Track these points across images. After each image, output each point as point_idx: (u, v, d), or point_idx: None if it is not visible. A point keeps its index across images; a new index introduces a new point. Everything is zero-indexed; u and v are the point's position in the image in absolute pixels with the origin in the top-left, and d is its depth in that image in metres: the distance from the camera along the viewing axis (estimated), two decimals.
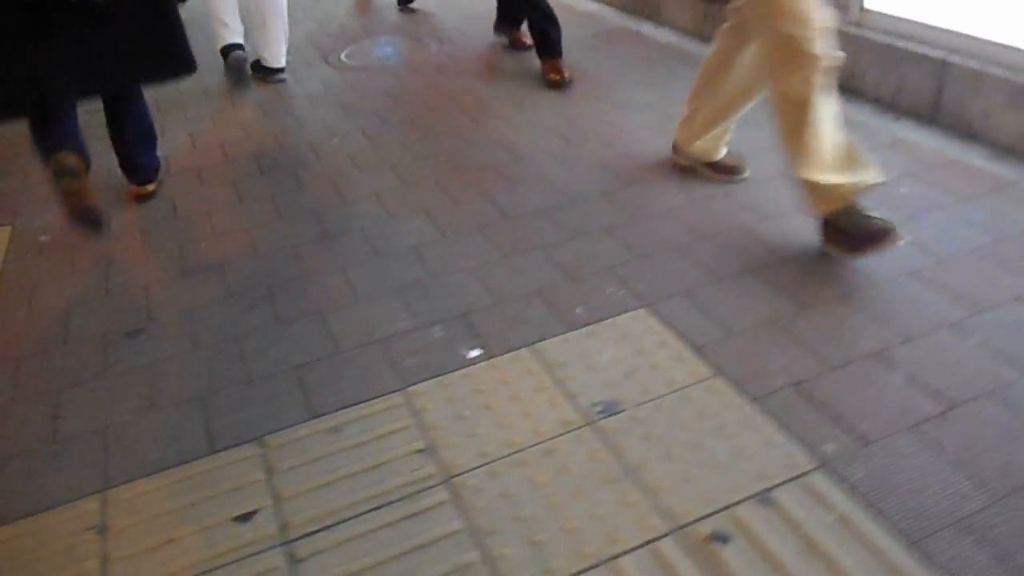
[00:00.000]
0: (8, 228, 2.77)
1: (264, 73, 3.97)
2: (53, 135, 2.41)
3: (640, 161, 2.82)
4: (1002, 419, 1.58)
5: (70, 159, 2.38)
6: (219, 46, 3.95)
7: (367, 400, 1.80)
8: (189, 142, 3.33)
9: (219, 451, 1.70)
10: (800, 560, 1.34)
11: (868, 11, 3.14)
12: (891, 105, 3.02)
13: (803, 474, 1.50)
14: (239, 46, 3.94)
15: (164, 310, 2.21)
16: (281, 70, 3.96)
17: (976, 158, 2.60)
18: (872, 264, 2.08)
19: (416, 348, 1.96)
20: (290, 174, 2.97)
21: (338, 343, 2.00)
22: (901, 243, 2.04)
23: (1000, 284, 1.97)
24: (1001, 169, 2.52)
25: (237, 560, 1.44)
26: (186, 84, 3.36)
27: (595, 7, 4.80)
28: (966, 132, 2.74)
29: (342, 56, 4.33)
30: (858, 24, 3.16)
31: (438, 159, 2.98)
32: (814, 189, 2.09)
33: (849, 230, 2.05)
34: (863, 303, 1.97)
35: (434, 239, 2.44)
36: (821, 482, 1.48)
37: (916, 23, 2.95)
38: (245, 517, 1.53)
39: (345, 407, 1.78)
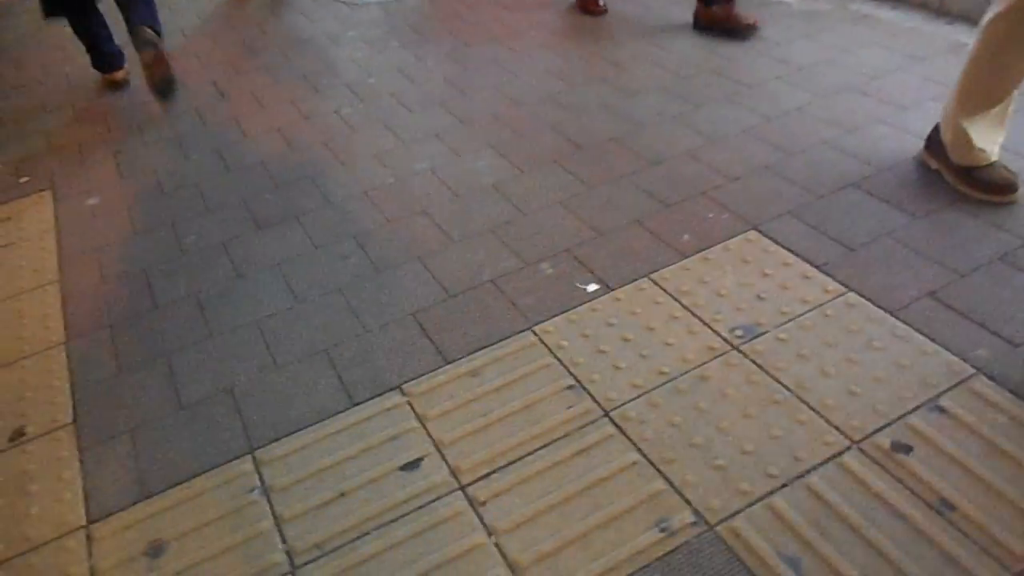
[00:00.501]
0: (48, 192, 2.65)
1: None
2: (128, 19, 2.84)
3: (702, 81, 2.77)
4: None
5: (147, 32, 2.77)
6: None
7: (497, 342, 1.77)
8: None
9: (360, 403, 1.67)
10: (985, 462, 1.36)
11: None
12: (939, 11, 2.98)
13: (965, 380, 1.52)
14: None
15: (250, 265, 2.14)
16: None
17: None
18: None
19: (529, 287, 1.93)
20: (339, 120, 2.87)
21: (447, 287, 1.96)
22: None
23: None
24: None
25: (418, 508, 1.43)
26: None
27: None
28: None
29: None
30: None
31: (487, 93, 2.90)
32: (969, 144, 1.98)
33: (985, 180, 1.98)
34: (973, 209, 1.97)
35: (512, 175, 2.39)
36: (984, 386, 1.50)
37: None
38: (412, 465, 1.52)
39: (477, 351, 1.76)
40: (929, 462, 1.38)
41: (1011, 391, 1.48)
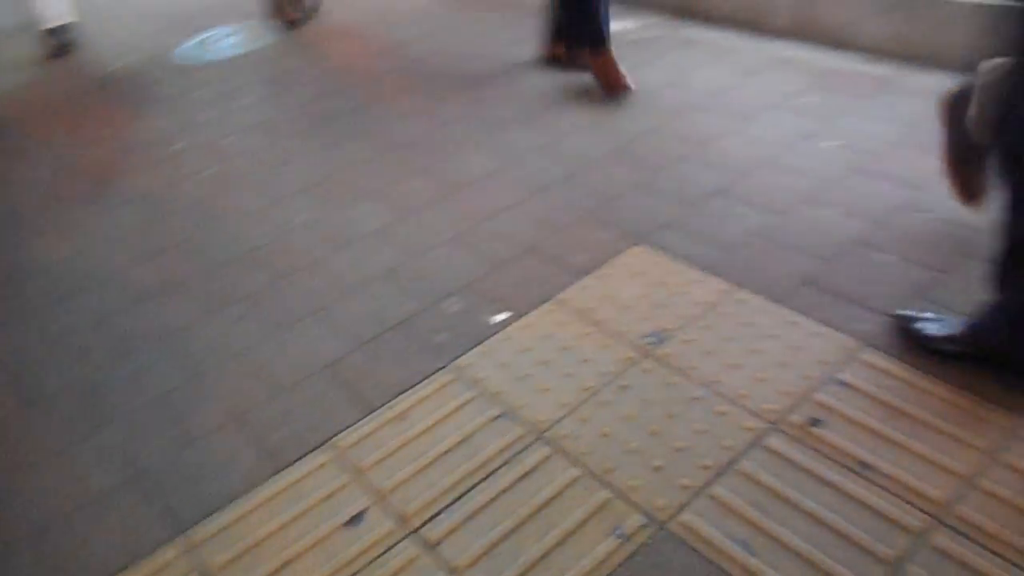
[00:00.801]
0: None
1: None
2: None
3: (557, 114, 2.90)
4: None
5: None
6: None
7: (418, 383, 1.77)
8: None
9: (289, 466, 1.61)
10: (888, 422, 1.51)
11: None
12: (760, 29, 3.28)
13: (855, 353, 1.67)
14: None
15: (134, 341, 2.02)
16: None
17: (855, 63, 2.92)
18: (812, 168, 2.31)
19: (439, 325, 1.94)
20: (202, 183, 2.77)
21: (354, 336, 1.94)
22: (835, 146, 2.27)
23: (927, 165, 2.24)
24: (878, 70, 2.85)
25: (371, 563, 1.40)
26: None
27: None
28: (836, 41, 3.05)
29: (185, 51, 4.04)
30: None
31: (354, 143, 2.90)
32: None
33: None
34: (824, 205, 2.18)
35: (394, 219, 2.40)
36: (873, 356, 1.66)
37: None
38: (356, 519, 1.48)
39: (399, 395, 1.74)
40: (841, 431, 1.51)
41: (896, 357, 1.65)
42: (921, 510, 1.35)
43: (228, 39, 4.15)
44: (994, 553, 1.27)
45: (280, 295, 2.12)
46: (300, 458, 1.62)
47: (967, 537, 1.30)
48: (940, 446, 1.45)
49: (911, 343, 1.66)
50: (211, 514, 1.53)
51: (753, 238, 2.07)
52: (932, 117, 2.07)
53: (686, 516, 1.39)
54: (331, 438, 1.66)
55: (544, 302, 1.96)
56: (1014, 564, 1.25)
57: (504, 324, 1.90)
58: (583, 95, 3.00)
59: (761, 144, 2.50)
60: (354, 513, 1.49)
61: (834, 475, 1.42)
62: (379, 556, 1.41)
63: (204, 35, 4.24)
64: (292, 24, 4.08)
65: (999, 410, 1.50)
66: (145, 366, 1.94)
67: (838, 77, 2.84)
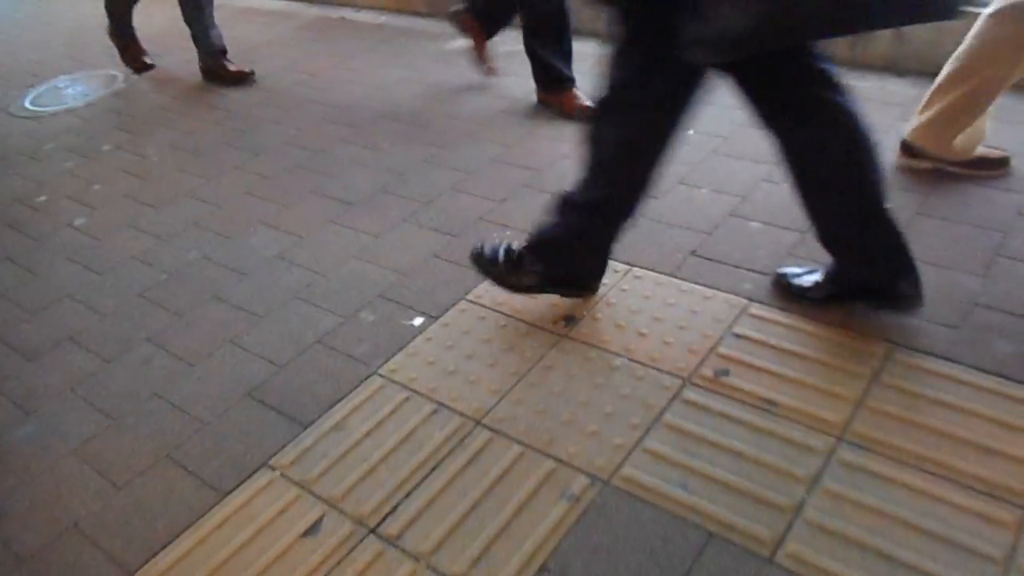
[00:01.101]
0: None
1: None
2: None
3: (442, 126, 3.01)
4: None
5: None
6: None
7: (349, 393, 1.81)
8: None
9: (231, 491, 1.61)
10: (783, 363, 1.70)
11: None
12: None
13: (744, 309, 1.87)
14: None
15: (36, 399, 1.94)
16: None
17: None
18: (680, 155, 2.54)
19: (358, 336, 1.98)
20: (77, 233, 2.66)
21: (273, 359, 1.95)
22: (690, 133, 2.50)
23: None
24: None
25: (337, 565, 1.43)
26: None
27: (283, 4, 4.78)
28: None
29: (26, 103, 3.84)
30: None
31: (232, 174, 2.88)
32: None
33: None
34: (698, 184, 2.40)
35: (293, 243, 2.41)
36: (760, 310, 1.86)
37: None
38: (313, 528, 1.51)
39: (331, 407, 1.78)
40: (745, 376, 1.68)
41: (779, 308, 1.85)
42: (824, 432, 1.54)
43: (74, 87, 3.98)
44: (891, 459, 1.47)
45: (187, 331, 2.10)
46: (243, 482, 1.63)
47: (867, 449, 1.50)
48: (830, 377, 1.66)
49: (790, 295, 1.88)
50: (158, 552, 1.51)
51: (639, 221, 2.25)
52: None
53: (626, 471, 1.52)
54: (271, 458, 1.67)
55: (457, 302, 2.04)
56: (910, 465, 1.46)
57: (423, 327, 1.98)
58: (458, 105, 3.12)
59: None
60: (311, 523, 1.52)
61: (746, 415, 1.60)
62: (344, 558, 1.44)
63: (47, 85, 4.05)
64: (142, 70, 3.97)
65: (873, 339, 1.72)
66: (53, 422, 1.86)
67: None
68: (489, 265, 1.95)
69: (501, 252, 1.94)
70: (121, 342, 2.09)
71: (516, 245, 1.93)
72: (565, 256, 1.88)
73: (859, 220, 1.66)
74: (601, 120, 1.69)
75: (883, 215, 1.64)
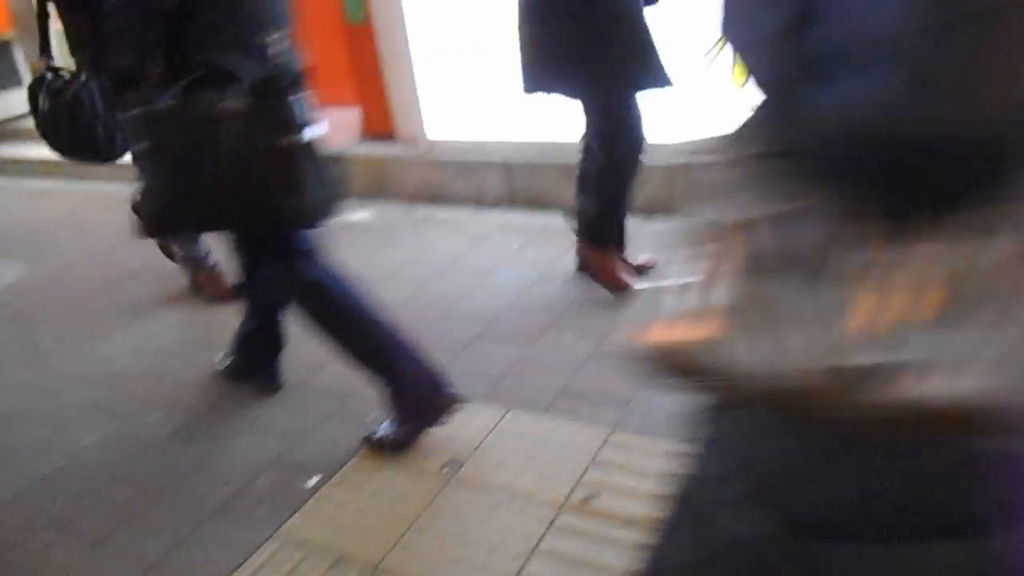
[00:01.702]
0: None
1: None
2: None
3: None
4: None
5: None
6: None
7: (253, 553, 1.90)
8: None
9: None
10: (643, 482, 1.92)
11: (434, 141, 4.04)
12: (482, 202, 3.91)
13: (607, 438, 2.10)
14: None
15: None
16: None
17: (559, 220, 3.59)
18: (550, 303, 2.83)
19: (255, 500, 2.09)
20: None
21: (172, 535, 2.02)
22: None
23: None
24: None
25: None
26: None
27: None
28: (541, 205, 3.73)
29: None
30: (430, 151, 4.04)
31: (126, 357, 2.98)
32: None
33: None
34: (573, 325, 2.68)
35: (188, 419, 2.52)
36: (622, 437, 2.09)
37: (476, 141, 3.92)
38: None
39: (234, 570, 1.86)
40: (615, 498, 1.89)
41: (639, 433, 2.09)
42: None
43: None
44: None
45: (86, 512, 2.14)
46: None
47: None
48: None
49: (654, 421, 2.12)
50: None
51: (516, 364, 2.49)
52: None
53: None
54: None
55: (350, 457, 2.19)
56: None
57: (317, 486, 2.10)
58: None
59: (508, 289, 3.00)
60: None
61: (615, 532, 1.79)
62: None
63: None
64: None
65: None
66: None
67: (547, 233, 3.46)
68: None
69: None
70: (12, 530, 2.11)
71: None
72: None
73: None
74: None
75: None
